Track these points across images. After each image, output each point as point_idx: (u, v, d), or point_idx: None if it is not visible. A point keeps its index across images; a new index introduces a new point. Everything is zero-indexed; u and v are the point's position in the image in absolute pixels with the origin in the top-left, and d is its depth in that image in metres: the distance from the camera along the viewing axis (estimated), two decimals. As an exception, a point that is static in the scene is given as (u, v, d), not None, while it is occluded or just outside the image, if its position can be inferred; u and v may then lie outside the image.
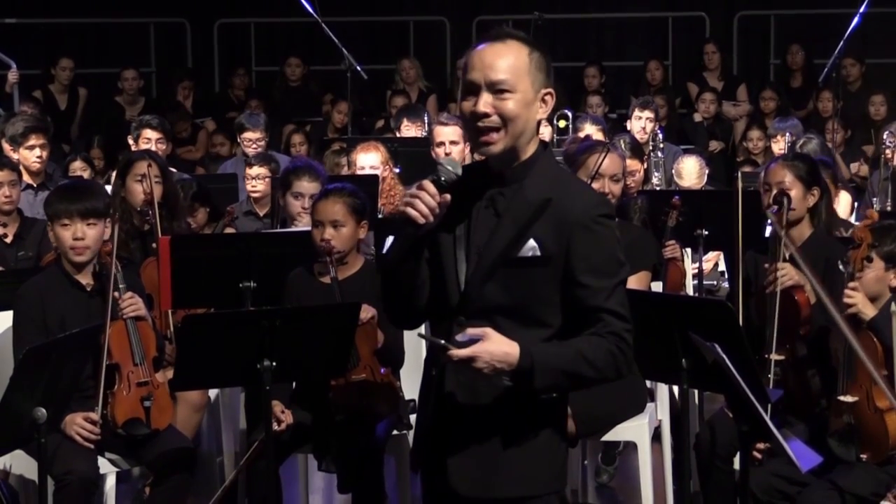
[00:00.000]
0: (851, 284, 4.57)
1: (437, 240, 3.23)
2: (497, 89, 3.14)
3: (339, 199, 5.06)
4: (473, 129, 3.18)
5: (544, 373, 3.10)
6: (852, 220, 7.21)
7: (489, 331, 3.07)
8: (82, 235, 4.97)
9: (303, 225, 6.24)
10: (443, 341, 3.04)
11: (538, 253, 3.15)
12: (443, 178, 3.13)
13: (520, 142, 3.18)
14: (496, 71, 3.14)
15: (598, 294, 3.15)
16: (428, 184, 3.12)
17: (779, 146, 8.58)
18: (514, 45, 3.17)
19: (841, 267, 4.66)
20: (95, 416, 4.83)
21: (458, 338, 3.05)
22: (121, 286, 5.01)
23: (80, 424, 4.78)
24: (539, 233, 3.15)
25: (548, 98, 3.21)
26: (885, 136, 8.58)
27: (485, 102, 3.14)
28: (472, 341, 3.05)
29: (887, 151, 8.38)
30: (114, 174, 6.61)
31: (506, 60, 3.14)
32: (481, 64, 3.15)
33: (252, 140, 8.67)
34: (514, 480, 3.21)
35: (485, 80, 3.13)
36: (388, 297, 3.31)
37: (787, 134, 8.37)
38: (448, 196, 3.12)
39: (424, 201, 3.09)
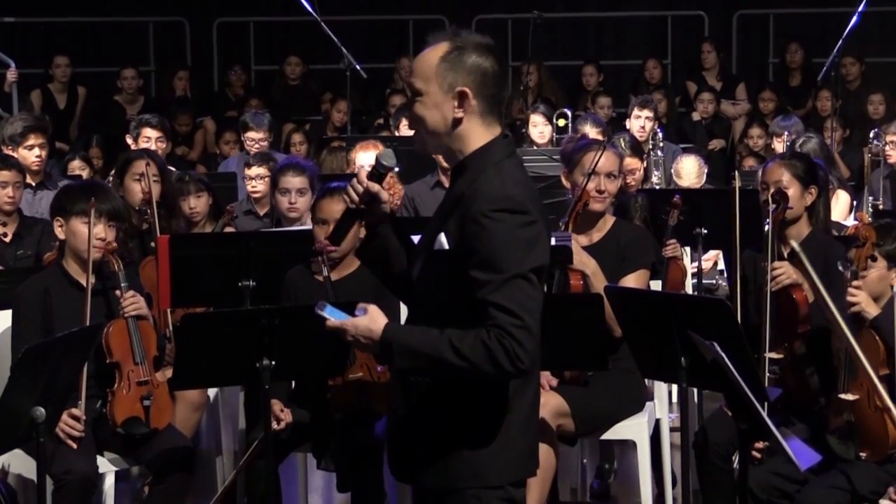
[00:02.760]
0: (855, 283, 4.57)
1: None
2: (413, 92, 3.30)
3: (342, 197, 5.04)
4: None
5: (402, 352, 3.19)
6: (850, 220, 7.21)
7: (370, 306, 3.23)
8: (104, 235, 4.99)
9: (293, 221, 6.26)
10: (323, 312, 3.24)
11: (445, 246, 3.21)
12: (378, 167, 3.37)
13: (444, 141, 3.27)
14: (412, 76, 3.33)
15: (484, 287, 3.13)
16: (361, 173, 3.40)
17: (781, 145, 8.58)
18: (437, 48, 3.26)
19: (840, 267, 4.65)
20: (78, 412, 4.82)
21: (356, 312, 3.23)
22: (122, 285, 5.02)
23: (63, 421, 4.77)
24: (450, 227, 3.22)
25: (459, 96, 3.23)
26: (871, 136, 8.62)
27: (409, 107, 3.36)
28: (355, 315, 3.23)
29: (886, 149, 8.39)
30: (112, 173, 6.61)
31: (417, 64, 3.29)
32: (405, 71, 3.37)
33: (255, 140, 8.66)
34: (434, 472, 3.25)
35: (407, 86, 3.34)
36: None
37: (786, 133, 8.37)
38: (376, 185, 3.35)
39: (353, 187, 3.36)
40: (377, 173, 3.36)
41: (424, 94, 3.24)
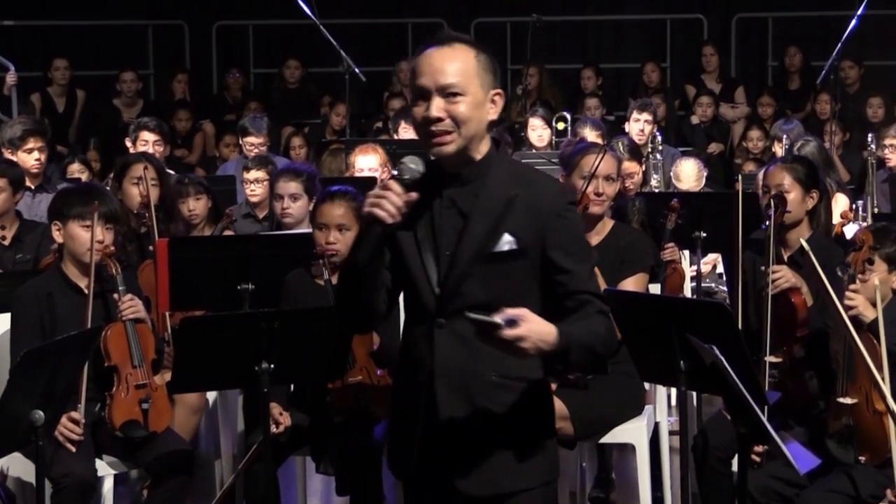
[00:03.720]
0: (852, 287, 4.57)
1: (398, 242, 3.24)
2: (448, 93, 3.16)
3: (343, 202, 5.06)
4: (425, 132, 3.20)
5: (577, 350, 3.14)
6: (850, 226, 7.21)
7: (526, 311, 3.07)
8: (103, 238, 4.99)
9: (290, 225, 6.27)
10: (498, 319, 3.02)
11: (515, 246, 3.18)
12: (406, 177, 3.14)
13: (472, 142, 3.21)
14: (446, 75, 3.17)
15: (580, 277, 3.22)
16: (393, 183, 3.12)
17: (782, 148, 8.58)
18: (461, 49, 3.20)
19: (839, 272, 4.65)
20: (78, 415, 4.82)
21: (498, 318, 3.03)
22: (120, 288, 5.02)
23: (62, 424, 4.77)
24: (512, 226, 3.18)
25: (497, 98, 3.23)
26: (869, 140, 8.62)
27: (437, 107, 3.16)
28: (512, 321, 3.04)
29: (886, 153, 8.40)
30: (110, 177, 6.60)
31: (454, 64, 3.17)
32: (430, 69, 3.17)
33: (254, 144, 8.68)
34: (516, 474, 3.24)
35: (435, 84, 3.16)
36: (347, 300, 3.30)
37: (785, 136, 8.37)
38: (414, 194, 3.13)
39: (391, 200, 3.09)
40: (405, 182, 3.15)
41: (467, 93, 3.16)
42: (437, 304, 3.20)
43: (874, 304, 4.55)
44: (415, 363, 3.26)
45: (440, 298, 3.20)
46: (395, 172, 3.17)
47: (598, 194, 5.21)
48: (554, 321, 3.15)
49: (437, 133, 3.17)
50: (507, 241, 3.18)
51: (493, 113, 3.22)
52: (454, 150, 3.19)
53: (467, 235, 3.20)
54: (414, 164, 3.16)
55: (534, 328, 3.05)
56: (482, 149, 3.24)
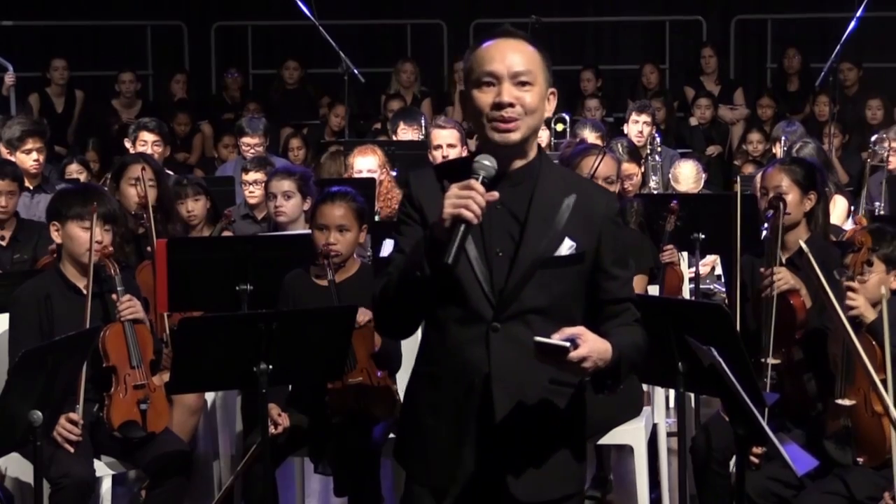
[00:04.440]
0: (853, 285, 4.57)
1: None
2: (520, 80, 3.16)
3: (343, 203, 5.06)
4: (492, 118, 3.16)
5: (626, 365, 3.20)
6: (848, 224, 7.22)
7: (584, 330, 3.08)
8: (100, 238, 4.99)
9: (284, 224, 6.28)
10: (568, 344, 3.04)
11: (575, 251, 3.20)
12: (483, 175, 3.09)
13: (531, 137, 3.21)
14: (518, 63, 3.17)
15: (625, 285, 3.31)
16: (476, 183, 3.05)
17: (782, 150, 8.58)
18: (526, 43, 3.23)
19: (836, 274, 4.65)
20: (76, 416, 4.82)
21: (557, 337, 3.05)
22: (119, 289, 5.01)
23: (61, 425, 4.77)
24: (571, 231, 3.20)
25: (551, 97, 3.25)
26: (872, 141, 8.62)
27: (509, 92, 3.15)
28: (571, 341, 3.05)
29: (885, 154, 8.39)
30: (108, 177, 6.60)
31: (524, 55, 3.19)
32: (501, 56, 3.17)
33: (251, 145, 8.69)
34: (566, 480, 3.29)
35: (508, 70, 3.16)
36: (402, 307, 3.21)
37: (783, 137, 8.38)
38: (496, 193, 3.08)
39: (477, 201, 3.03)
40: (484, 180, 3.07)
41: (536, 83, 3.18)
42: (494, 309, 3.17)
43: (874, 305, 4.55)
44: (466, 366, 3.20)
45: (500, 301, 3.16)
46: (475, 173, 3.08)
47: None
48: (593, 324, 3.18)
49: (507, 119, 3.15)
50: (567, 246, 3.19)
51: (548, 111, 3.25)
52: (519, 137, 3.17)
53: (526, 239, 3.18)
54: (489, 162, 3.11)
55: (594, 346, 3.08)
56: (534, 148, 3.26)
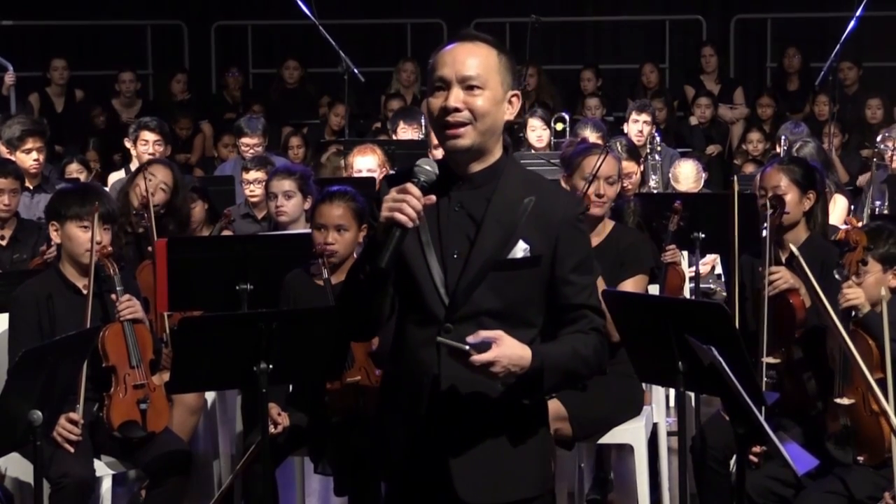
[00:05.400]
0: (851, 281, 4.57)
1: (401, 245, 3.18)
2: (468, 85, 3.15)
3: (342, 202, 5.06)
4: (441, 124, 3.17)
5: (552, 373, 3.13)
6: (841, 223, 7.21)
7: (501, 334, 3.06)
8: (99, 238, 4.99)
9: (285, 224, 6.28)
10: (467, 347, 3.01)
11: (529, 254, 3.17)
12: (423, 179, 3.10)
13: (487, 141, 3.19)
14: (468, 67, 3.16)
15: (583, 291, 3.22)
16: (412, 186, 3.07)
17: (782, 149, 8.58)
18: (484, 46, 3.20)
19: (836, 274, 4.65)
20: (76, 416, 4.82)
21: (470, 340, 3.02)
22: (118, 288, 5.01)
23: (61, 425, 4.77)
24: (526, 234, 3.17)
25: (514, 100, 3.22)
26: (878, 140, 8.60)
27: (455, 97, 3.14)
28: (485, 344, 3.03)
29: (888, 154, 8.39)
30: (113, 173, 6.60)
31: (477, 58, 3.16)
32: (452, 60, 3.16)
33: (250, 145, 8.68)
34: (518, 482, 3.23)
35: (456, 75, 3.15)
36: (353, 307, 3.23)
37: (783, 137, 8.37)
38: (433, 197, 3.09)
39: (411, 204, 3.04)
40: (423, 184, 3.08)
41: (487, 87, 3.15)
42: (448, 309, 3.16)
43: (874, 305, 4.55)
44: (417, 367, 3.21)
45: (451, 303, 3.16)
46: (414, 176, 3.10)
47: (598, 196, 5.22)
48: (550, 331, 3.18)
49: (453, 124, 3.14)
50: (521, 249, 3.16)
51: (509, 114, 3.21)
52: (468, 143, 3.16)
53: (480, 241, 3.16)
54: (429, 166, 3.12)
55: (506, 352, 3.04)
56: (496, 151, 3.22)
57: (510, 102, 3.21)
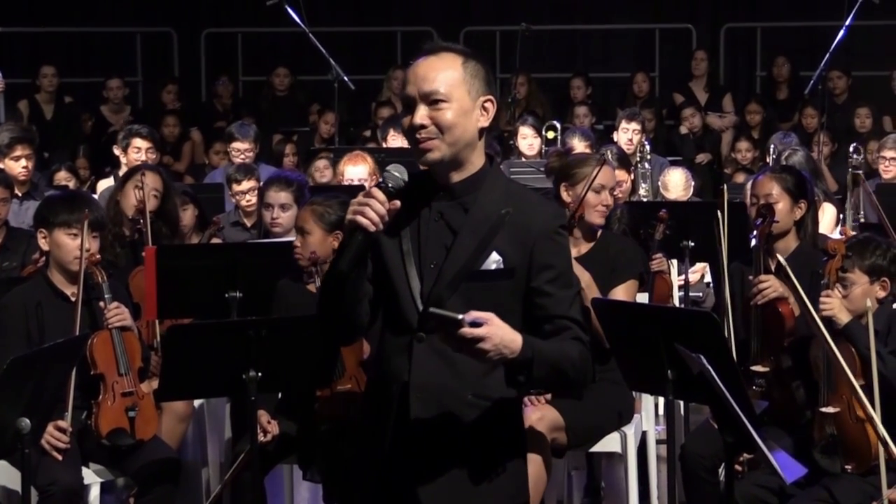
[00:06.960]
0: (829, 293, 4.58)
1: (382, 252, 3.21)
2: (432, 100, 3.15)
3: (308, 206, 5.08)
4: (412, 140, 3.19)
5: (541, 363, 3.10)
6: (836, 234, 7.22)
7: (493, 315, 3.03)
8: (87, 246, 4.97)
9: (279, 234, 6.27)
10: (460, 316, 2.97)
11: (502, 266, 3.16)
12: (390, 185, 3.11)
13: (462, 151, 3.18)
14: (429, 82, 3.16)
15: (562, 303, 3.19)
16: (377, 191, 3.09)
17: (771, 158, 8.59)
18: (447, 57, 3.19)
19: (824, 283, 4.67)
20: (65, 423, 4.81)
21: (464, 317, 2.99)
22: (106, 296, 5.00)
23: (49, 433, 4.76)
24: (501, 245, 3.15)
25: (488, 105, 3.21)
26: (851, 150, 8.64)
27: (421, 115, 3.15)
28: (477, 323, 3.00)
29: (881, 166, 8.40)
30: (102, 181, 6.59)
31: (438, 72, 3.16)
32: (415, 78, 3.18)
33: (241, 150, 8.66)
34: (483, 494, 3.20)
35: (419, 92, 3.16)
36: (329, 311, 3.24)
37: (773, 147, 8.38)
38: (398, 202, 3.10)
39: (374, 208, 3.06)
40: (389, 190, 3.10)
41: (451, 100, 3.14)
42: (419, 318, 3.14)
43: (860, 317, 4.56)
44: (390, 375, 3.21)
45: (423, 312, 3.13)
46: (380, 180, 3.15)
47: (605, 206, 5.21)
48: None
49: (421, 140, 3.15)
50: (493, 260, 3.15)
51: (483, 120, 3.20)
52: (439, 157, 3.16)
53: (454, 251, 3.16)
54: (398, 173, 3.14)
55: (497, 332, 3.01)
56: (475, 160, 3.22)
57: (483, 109, 3.20)
